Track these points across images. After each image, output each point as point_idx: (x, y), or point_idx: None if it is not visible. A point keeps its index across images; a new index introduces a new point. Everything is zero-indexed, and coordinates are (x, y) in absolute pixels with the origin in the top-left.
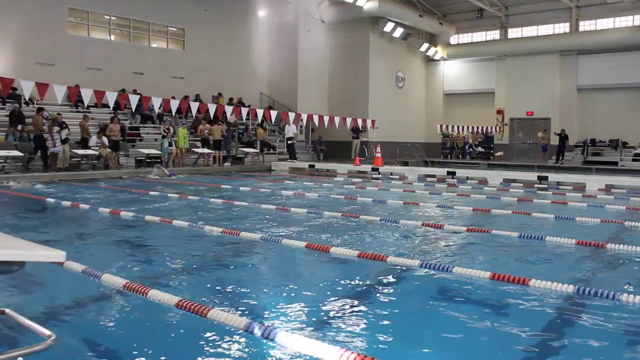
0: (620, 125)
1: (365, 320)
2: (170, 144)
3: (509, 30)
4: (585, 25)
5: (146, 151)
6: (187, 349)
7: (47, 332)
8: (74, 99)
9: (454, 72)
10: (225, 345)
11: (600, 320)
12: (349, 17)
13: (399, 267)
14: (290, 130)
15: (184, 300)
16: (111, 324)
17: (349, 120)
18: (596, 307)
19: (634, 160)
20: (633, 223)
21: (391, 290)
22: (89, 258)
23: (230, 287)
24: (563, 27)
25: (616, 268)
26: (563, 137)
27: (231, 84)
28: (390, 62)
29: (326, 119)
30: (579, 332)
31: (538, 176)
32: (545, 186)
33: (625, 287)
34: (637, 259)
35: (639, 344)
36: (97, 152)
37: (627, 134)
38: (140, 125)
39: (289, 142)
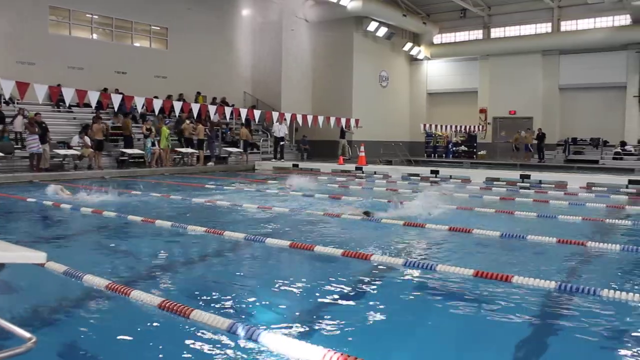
0: (601, 124)
1: (349, 320)
2: (153, 144)
3: (492, 30)
4: (566, 26)
5: (129, 151)
6: (170, 350)
7: (26, 334)
8: (55, 98)
9: (438, 72)
10: (208, 346)
11: (581, 315)
12: (332, 17)
13: (383, 266)
14: (282, 130)
15: (166, 301)
16: (93, 325)
17: (332, 119)
18: (577, 303)
19: (614, 158)
20: (613, 220)
21: (375, 289)
22: (70, 259)
23: (213, 287)
24: (545, 27)
25: (597, 265)
26: (541, 136)
27: (215, 83)
28: (374, 61)
29: (310, 118)
30: (561, 328)
31: (520, 175)
32: (528, 185)
33: (605, 283)
34: (617, 256)
35: (619, 339)
36: (79, 152)
37: (608, 132)
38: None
39: (281, 142)
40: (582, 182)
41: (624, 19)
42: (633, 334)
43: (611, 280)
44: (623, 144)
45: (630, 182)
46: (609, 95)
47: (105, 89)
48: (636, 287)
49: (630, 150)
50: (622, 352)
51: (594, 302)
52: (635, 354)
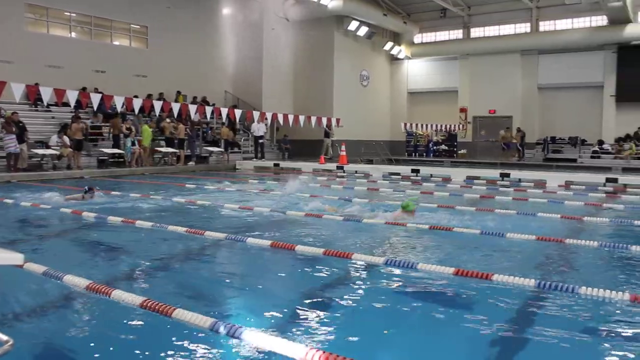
0: (579, 123)
1: (330, 318)
2: (133, 143)
3: (472, 29)
4: (545, 26)
5: (109, 150)
6: (152, 350)
7: (3, 337)
8: (32, 97)
9: (418, 71)
10: (190, 345)
11: (560, 312)
12: (313, 16)
13: (364, 264)
14: (260, 129)
15: (148, 300)
16: (73, 326)
17: (313, 119)
18: (556, 300)
19: (592, 157)
20: (591, 218)
21: (356, 287)
22: (50, 259)
23: (195, 286)
24: (524, 27)
25: (575, 262)
26: (521, 135)
27: (195, 82)
28: (354, 60)
29: (291, 117)
30: (540, 325)
31: (500, 173)
32: (508, 183)
33: (584, 280)
34: (594, 254)
35: (596, 335)
36: (57, 152)
37: (586, 131)
38: (103, 124)
39: (259, 140)
40: (561, 180)
41: (601, 20)
42: (611, 330)
43: (589, 278)
44: (600, 142)
45: (608, 180)
46: (587, 94)
47: (84, 88)
48: (614, 284)
49: (608, 149)
50: (600, 348)
51: (573, 299)
52: (613, 350)
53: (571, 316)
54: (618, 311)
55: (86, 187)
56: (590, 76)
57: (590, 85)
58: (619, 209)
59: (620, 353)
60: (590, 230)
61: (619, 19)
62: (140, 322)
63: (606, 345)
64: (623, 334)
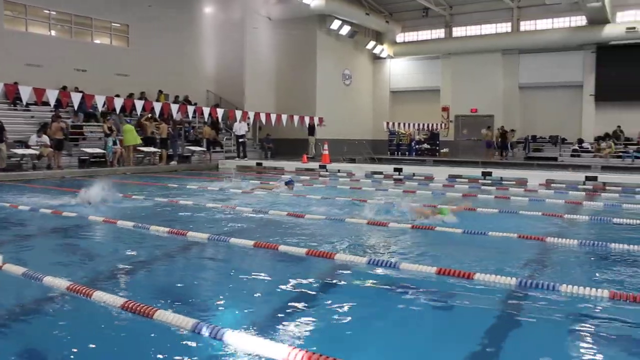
0: (559, 122)
1: (313, 318)
2: (114, 143)
3: (454, 29)
4: (526, 25)
5: (90, 150)
6: (134, 352)
7: None
8: (11, 96)
9: (401, 70)
10: (172, 347)
11: (541, 310)
12: (296, 15)
13: (347, 264)
14: (242, 128)
15: (129, 302)
16: (53, 327)
17: (296, 118)
18: (537, 298)
19: (572, 155)
20: (571, 216)
21: (339, 288)
22: (30, 260)
23: (177, 287)
24: (505, 27)
25: (556, 260)
26: (503, 134)
27: (177, 81)
28: (337, 59)
29: (273, 116)
30: (522, 322)
31: (482, 172)
32: (490, 182)
33: (564, 278)
34: (575, 251)
35: (577, 331)
36: (37, 152)
37: (566, 130)
38: (84, 123)
39: (240, 140)
40: (542, 179)
41: (580, 20)
42: (591, 326)
43: (569, 275)
44: (580, 141)
45: (587, 178)
46: (567, 94)
47: (65, 87)
48: (593, 281)
49: (587, 148)
50: (581, 344)
51: (554, 296)
52: (593, 345)
53: (552, 313)
54: (598, 308)
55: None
56: (570, 76)
57: (570, 85)
58: (599, 207)
59: (600, 349)
60: (571, 228)
61: (598, 20)
62: (122, 324)
63: (587, 341)
64: (603, 330)
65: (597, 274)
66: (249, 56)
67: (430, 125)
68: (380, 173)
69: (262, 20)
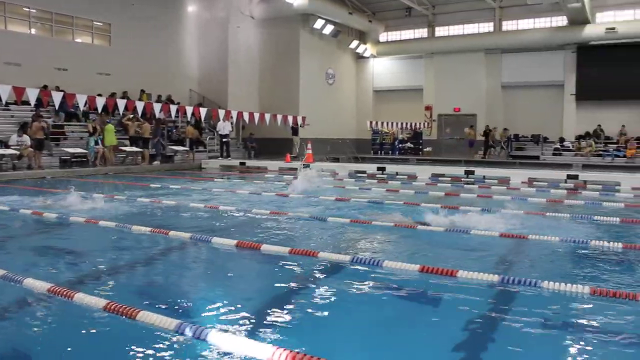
0: (541, 121)
1: (297, 317)
2: (96, 143)
3: (437, 28)
4: (508, 25)
5: (71, 150)
6: (117, 353)
7: None
8: None
9: (384, 69)
10: (156, 347)
11: (523, 306)
12: (279, 14)
13: (330, 263)
14: (226, 127)
15: (112, 303)
16: (35, 330)
17: (279, 117)
18: (519, 294)
19: (554, 154)
20: (553, 214)
21: (323, 286)
22: (9, 262)
23: (160, 287)
24: (487, 27)
25: (537, 257)
26: (487, 133)
27: (160, 80)
28: (320, 59)
29: (257, 116)
30: (504, 319)
31: (465, 171)
32: (472, 180)
33: (546, 275)
34: (556, 249)
35: (559, 327)
36: (18, 152)
37: (548, 129)
38: (65, 123)
39: (223, 139)
40: (524, 177)
41: (561, 20)
42: (572, 322)
43: (551, 272)
44: (562, 140)
45: (569, 176)
46: (548, 93)
47: (45, 86)
48: (575, 278)
49: (569, 146)
50: (563, 339)
51: (536, 293)
52: (575, 341)
53: (534, 309)
54: (579, 304)
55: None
56: (551, 75)
57: (552, 84)
58: (579, 205)
59: (582, 344)
60: (552, 226)
61: (578, 20)
62: (104, 325)
63: (568, 336)
64: (584, 326)
65: (578, 271)
66: (232, 55)
67: (413, 125)
68: (364, 172)
69: (245, 20)
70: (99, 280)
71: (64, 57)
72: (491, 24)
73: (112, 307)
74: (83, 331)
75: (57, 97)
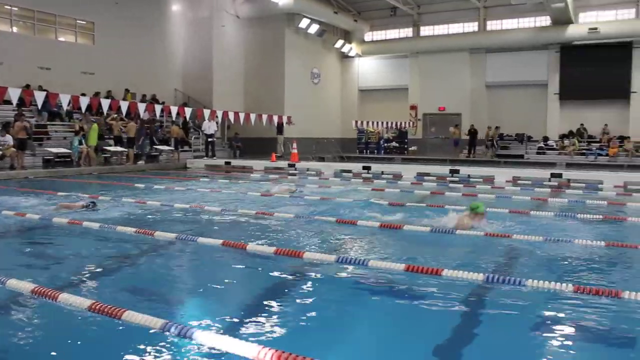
0: (525, 121)
1: (283, 316)
2: (80, 142)
3: (422, 28)
4: (492, 25)
5: (55, 150)
6: (102, 353)
7: None
8: None
9: (369, 69)
10: (142, 347)
11: (508, 304)
12: (264, 13)
13: (316, 262)
14: (211, 127)
15: (97, 303)
16: (19, 332)
17: (264, 116)
18: (504, 292)
19: (538, 153)
20: (537, 212)
21: (308, 286)
22: None
23: (145, 287)
24: (472, 26)
25: (521, 256)
26: (473, 133)
27: (144, 80)
28: (305, 58)
29: (242, 115)
30: (489, 317)
31: (450, 170)
32: (457, 179)
33: (530, 273)
34: (540, 247)
35: (543, 324)
36: (0, 152)
37: (532, 128)
38: (48, 123)
39: (209, 139)
40: (509, 176)
41: (545, 20)
42: (556, 319)
43: (535, 270)
44: (545, 139)
45: (553, 175)
46: (532, 92)
47: (28, 86)
48: (558, 275)
49: (552, 145)
50: (547, 336)
51: (520, 291)
52: (558, 338)
53: (519, 307)
54: (562, 301)
55: (91, 202)
56: (535, 75)
57: (535, 84)
58: (563, 203)
59: (565, 341)
60: (536, 225)
61: (562, 20)
62: (89, 326)
63: (552, 333)
64: (567, 323)
65: (561, 269)
66: (217, 55)
67: (398, 124)
68: (349, 171)
69: (230, 19)
70: (83, 280)
71: (47, 56)
72: (475, 23)
73: (97, 308)
74: (68, 332)
75: (39, 97)
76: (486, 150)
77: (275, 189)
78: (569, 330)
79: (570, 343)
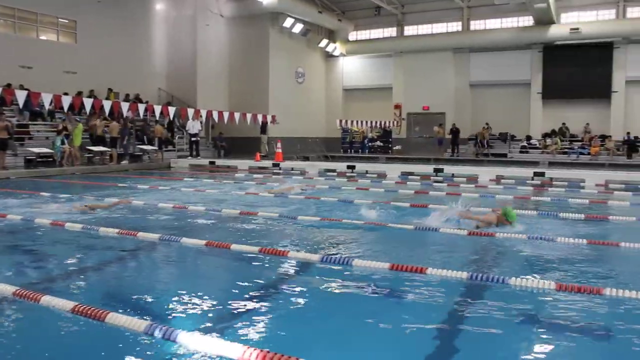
0: (509, 120)
1: (268, 316)
2: (62, 142)
3: (406, 27)
4: (476, 25)
5: (37, 150)
6: (87, 355)
7: None
8: None
9: (353, 68)
10: (125, 349)
11: (491, 302)
12: (248, 12)
13: (300, 262)
14: (195, 126)
15: (80, 305)
16: (1, 334)
17: (249, 116)
18: (487, 290)
19: (521, 152)
20: (520, 211)
21: (292, 285)
22: None
23: (129, 289)
24: (456, 26)
25: (504, 254)
26: (455, 131)
27: (128, 79)
28: (290, 57)
29: (226, 115)
30: (473, 315)
31: (434, 169)
32: (441, 178)
33: (513, 271)
34: (523, 245)
35: (526, 321)
36: None
37: (515, 127)
38: (30, 122)
39: (193, 138)
40: (492, 175)
41: (528, 21)
42: (538, 316)
43: (518, 269)
44: (528, 138)
45: (536, 174)
46: (516, 92)
47: (9, 85)
48: (541, 273)
49: (535, 144)
50: (529, 333)
51: (503, 289)
52: (540, 335)
53: (502, 305)
54: (545, 298)
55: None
56: (518, 74)
57: (519, 83)
58: (546, 202)
59: (548, 338)
60: (520, 223)
61: (544, 20)
62: (73, 328)
63: (534, 330)
64: (550, 320)
65: (544, 267)
66: (200, 54)
67: (382, 123)
68: (334, 171)
69: (214, 18)
70: (66, 282)
71: (28, 55)
72: (459, 23)
73: (80, 310)
74: (51, 334)
75: (21, 96)
76: (481, 149)
77: (283, 187)
78: (552, 327)
79: (553, 340)
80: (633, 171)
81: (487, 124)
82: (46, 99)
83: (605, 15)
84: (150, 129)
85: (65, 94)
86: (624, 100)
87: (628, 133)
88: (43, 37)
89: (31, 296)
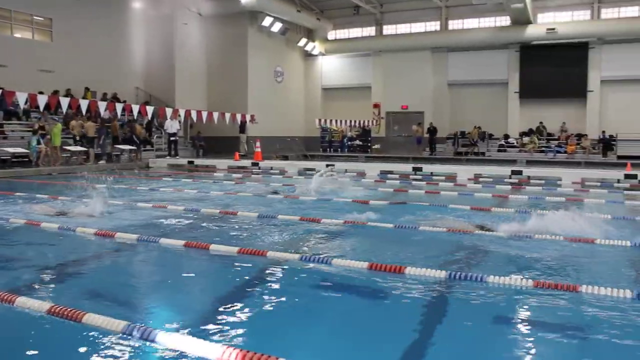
0: (487, 119)
1: (247, 316)
2: (38, 142)
3: (384, 27)
4: (454, 24)
5: (12, 150)
6: (63, 357)
7: None
8: None
9: (332, 67)
10: (103, 351)
11: (470, 301)
12: (227, 11)
13: (279, 261)
14: (173, 126)
15: (56, 306)
16: None
17: (227, 115)
18: (466, 289)
19: (499, 150)
20: (498, 209)
21: (272, 285)
22: None
23: (106, 290)
24: (434, 26)
25: (483, 252)
26: (432, 130)
27: (105, 78)
28: (269, 56)
29: (205, 114)
30: (452, 314)
31: (413, 167)
32: (420, 177)
33: (491, 269)
34: (501, 243)
35: (505, 319)
36: None
37: (493, 126)
38: (5, 122)
39: (171, 138)
40: (470, 173)
41: (505, 20)
42: (517, 314)
43: (496, 266)
44: (506, 136)
45: (513, 172)
46: (493, 91)
47: None
48: (519, 271)
49: (513, 143)
50: (509, 331)
51: (482, 287)
52: (521, 333)
53: (481, 303)
54: (523, 296)
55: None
56: (495, 74)
57: (496, 82)
58: (523, 200)
59: (528, 335)
60: (498, 221)
61: (521, 20)
62: (49, 330)
63: (515, 328)
64: (528, 318)
65: (522, 265)
66: (178, 53)
67: (362, 122)
68: (313, 170)
69: (193, 16)
70: (42, 283)
71: (3, 53)
72: (437, 23)
73: (56, 311)
74: (26, 336)
75: None
76: (472, 147)
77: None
78: (530, 324)
79: (531, 337)
80: (608, 169)
81: (479, 127)
82: (21, 98)
83: (580, 15)
84: (127, 130)
85: (41, 92)
86: (599, 99)
87: (603, 132)
88: (18, 35)
89: (5, 297)
